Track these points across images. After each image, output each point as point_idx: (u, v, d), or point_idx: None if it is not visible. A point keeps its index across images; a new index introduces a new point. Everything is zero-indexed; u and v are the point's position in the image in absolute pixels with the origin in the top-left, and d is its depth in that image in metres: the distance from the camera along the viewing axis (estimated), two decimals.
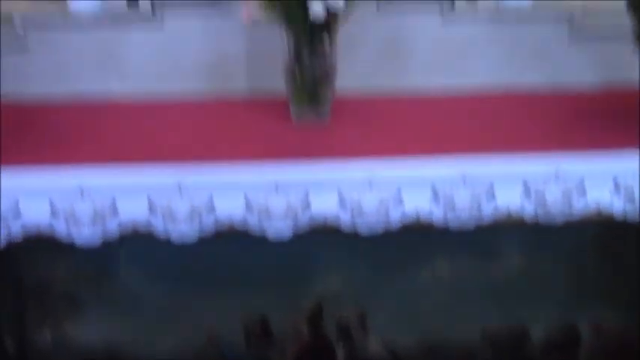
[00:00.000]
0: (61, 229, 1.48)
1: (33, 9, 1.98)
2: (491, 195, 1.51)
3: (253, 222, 1.50)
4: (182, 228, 1.49)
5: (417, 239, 1.59)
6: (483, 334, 1.70)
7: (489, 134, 1.63)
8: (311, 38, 1.67)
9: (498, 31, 1.89)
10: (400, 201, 1.51)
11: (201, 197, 1.49)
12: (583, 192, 1.50)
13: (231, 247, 1.56)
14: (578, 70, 1.89)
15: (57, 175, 1.48)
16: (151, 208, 1.49)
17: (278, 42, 1.76)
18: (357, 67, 1.88)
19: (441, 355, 1.70)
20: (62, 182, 1.48)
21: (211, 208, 1.50)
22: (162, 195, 1.49)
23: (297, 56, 1.70)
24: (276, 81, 1.78)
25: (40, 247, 1.55)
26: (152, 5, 1.88)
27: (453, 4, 1.87)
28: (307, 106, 1.73)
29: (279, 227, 1.50)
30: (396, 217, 1.51)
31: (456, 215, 1.51)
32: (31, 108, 1.84)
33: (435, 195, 1.51)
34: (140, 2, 1.88)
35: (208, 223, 1.50)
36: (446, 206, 1.51)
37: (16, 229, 1.47)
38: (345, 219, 1.51)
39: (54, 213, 1.47)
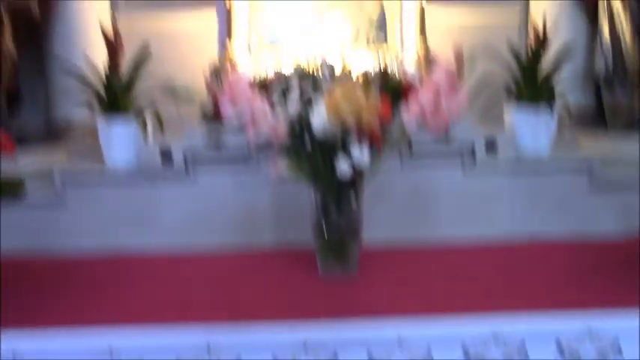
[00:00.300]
0: None
1: (72, 165, 2.10)
2: (524, 353, 1.48)
3: None
4: None
5: None
6: None
7: (518, 289, 1.63)
8: (338, 195, 1.73)
9: (519, 183, 1.94)
10: None
11: (229, 358, 1.48)
12: (618, 350, 1.47)
13: None
14: (600, 220, 1.92)
15: (85, 337, 1.50)
16: None
17: (305, 197, 1.82)
18: (383, 220, 1.92)
19: None
20: (91, 344, 1.48)
21: None
22: (190, 356, 1.49)
23: (324, 212, 1.75)
24: (303, 235, 1.83)
25: None
26: (185, 162, 1.98)
27: (474, 158, 1.93)
28: (334, 260, 1.76)
29: None
30: None
31: None
32: (65, 262, 1.89)
33: (466, 354, 1.48)
34: (174, 160, 1.98)
35: None
36: None
37: None
38: None
39: None
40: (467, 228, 1.92)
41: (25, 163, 1.94)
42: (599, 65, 2.16)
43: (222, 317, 1.55)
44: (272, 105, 1.89)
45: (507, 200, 1.94)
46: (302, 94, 1.92)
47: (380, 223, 1.89)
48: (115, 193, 1.98)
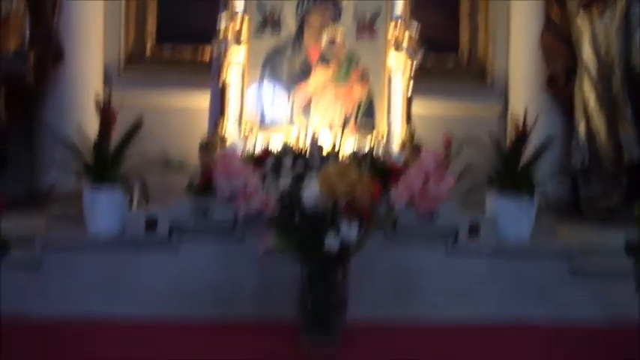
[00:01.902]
0: None
1: (53, 230, 2.08)
2: None
3: None
4: None
5: None
6: None
7: None
8: (324, 268, 1.73)
9: (500, 266, 1.98)
10: None
11: None
12: None
13: None
14: (579, 305, 1.95)
15: None
16: None
17: (288, 271, 1.83)
18: (367, 297, 1.92)
19: None
20: None
21: None
22: None
23: (309, 285, 1.75)
24: (286, 309, 1.82)
25: None
26: (170, 232, 1.97)
27: (456, 240, 1.97)
28: (318, 334, 1.74)
29: None
30: None
31: None
32: (34, 328, 1.83)
33: None
34: (158, 228, 1.97)
35: None
36: None
37: None
38: None
39: None
40: (449, 308, 1.94)
41: (7, 227, 1.91)
42: (576, 158, 2.26)
43: None
44: (263, 179, 1.93)
45: (489, 282, 1.97)
46: (293, 169, 1.97)
47: (364, 300, 1.89)
48: (94, 259, 1.96)
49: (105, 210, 2.02)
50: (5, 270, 1.85)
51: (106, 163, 2.03)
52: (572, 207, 2.26)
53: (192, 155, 2.14)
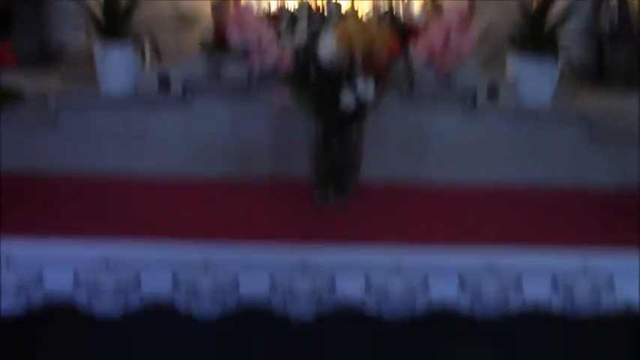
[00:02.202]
0: (82, 300, 1.46)
1: (66, 88, 2.06)
2: (519, 286, 1.50)
3: (277, 303, 1.48)
4: (205, 306, 1.47)
5: (441, 328, 1.56)
6: None
7: (515, 226, 1.64)
8: (339, 126, 1.72)
9: (519, 130, 1.94)
10: (427, 288, 1.49)
11: (226, 276, 1.48)
12: (612, 288, 1.49)
13: (253, 327, 1.53)
14: (597, 171, 1.93)
15: (81, 247, 1.48)
16: (175, 285, 1.47)
17: (303, 129, 1.81)
18: (381, 159, 1.92)
19: None
20: (86, 254, 1.47)
21: (236, 287, 1.48)
22: (187, 272, 1.47)
23: (324, 143, 1.74)
24: (300, 167, 1.82)
25: (60, 317, 1.52)
26: (183, 90, 1.94)
27: (475, 102, 1.93)
28: (331, 192, 1.75)
29: (302, 309, 1.48)
30: (422, 304, 1.49)
31: (482, 305, 1.49)
32: (57, 181, 1.86)
33: (462, 284, 1.50)
34: (172, 87, 1.95)
35: (232, 301, 1.48)
36: (472, 296, 1.50)
37: (37, 297, 1.45)
38: (370, 304, 1.49)
39: (77, 284, 1.45)
40: (465, 170, 1.93)
41: (19, 84, 1.89)
42: (604, 21, 2.17)
43: (219, 237, 1.53)
44: (278, 34, 1.88)
45: (506, 147, 1.95)
46: (310, 25, 1.90)
47: (378, 160, 1.89)
48: (109, 116, 1.94)
49: (117, 67, 1.98)
50: (20, 127, 1.88)
51: (116, 17, 1.97)
52: (596, 73, 2.19)
53: (206, 12, 2.08)
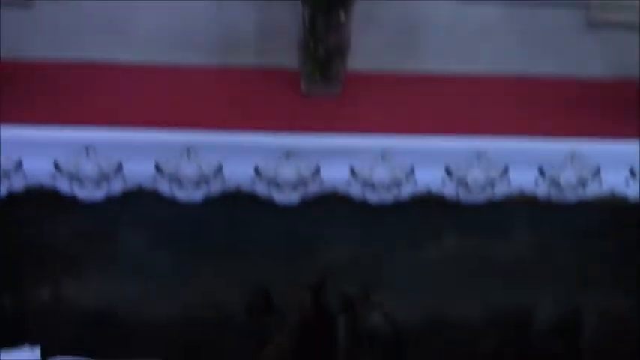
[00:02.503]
0: (64, 187, 1.45)
1: None
2: (505, 175, 1.49)
3: (262, 190, 1.48)
4: (189, 192, 1.46)
5: (426, 214, 1.57)
6: (487, 313, 1.68)
7: (504, 116, 1.60)
8: (328, 11, 1.64)
9: (513, 15, 1.87)
10: (412, 176, 1.49)
11: (210, 163, 1.46)
12: (597, 177, 1.49)
13: (237, 212, 1.54)
14: (593, 58, 1.87)
15: (62, 133, 1.45)
16: (158, 171, 1.46)
17: (290, 17, 1.75)
18: (370, 46, 1.86)
19: (443, 332, 1.68)
20: (68, 140, 1.44)
21: (219, 174, 1.47)
22: (170, 159, 1.46)
23: (311, 29, 1.67)
24: (286, 57, 1.76)
25: (42, 202, 1.51)
26: None
27: None
28: (319, 80, 1.71)
29: (287, 195, 1.48)
30: (407, 191, 1.49)
31: (467, 192, 1.50)
32: (36, 65, 1.80)
33: (448, 172, 1.49)
34: None
35: (216, 188, 1.47)
36: (458, 183, 1.49)
37: (17, 183, 1.43)
38: (355, 191, 1.49)
39: (58, 170, 1.44)
40: (455, 60, 1.86)
41: None
42: None
43: (203, 125, 1.50)
44: None
45: (499, 33, 1.87)
46: None
47: (367, 49, 1.82)
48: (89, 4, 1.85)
49: None
50: None
51: None
52: None
53: None
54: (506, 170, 1.49)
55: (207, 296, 1.60)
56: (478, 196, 1.50)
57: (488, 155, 1.49)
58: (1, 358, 1.33)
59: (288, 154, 1.46)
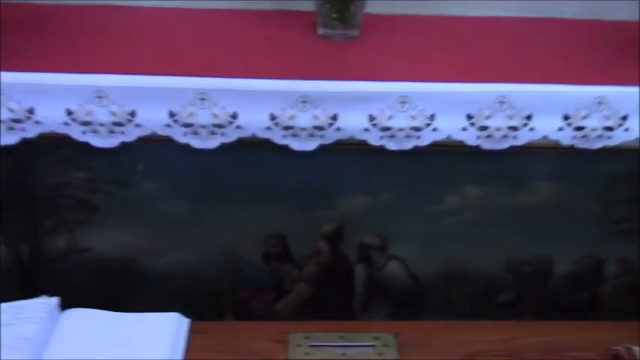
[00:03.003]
0: (77, 134, 1.42)
1: None
2: (529, 122, 1.45)
3: (278, 136, 1.45)
4: (203, 140, 1.44)
5: (446, 162, 1.53)
6: (508, 263, 1.66)
7: (528, 61, 1.54)
8: None
9: None
10: (432, 123, 1.44)
11: (225, 110, 1.43)
12: (624, 123, 1.44)
13: (253, 159, 1.51)
14: (622, 0, 1.79)
15: (75, 79, 1.41)
16: (172, 118, 1.43)
17: None
18: None
19: (463, 282, 1.66)
20: (80, 87, 1.40)
21: (235, 120, 1.43)
22: (184, 106, 1.42)
23: None
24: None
25: (55, 149, 1.50)
26: None
27: None
28: (336, 22, 1.65)
29: (304, 143, 1.45)
30: (426, 139, 1.45)
31: (489, 140, 1.45)
32: (47, 7, 1.75)
33: (470, 119, 1.44)
34: None
35: (231, 135, 1.44)
36: (480, 131, 1.45)
37: (30, 131, 1.41)
38: (373, 139, 1.45)
39: (70, 117, 1.41)
40: (481, 3, 1.79)
41: None
42: None
43: (217, 71, 1.46)
44: None
45: None
46: None
47: None
48: None
49: None
50: None
51: None
52: None
53: None
54: (529, 117, 1.44)
55: (223, 244, 1.59)
56: (500, 143, 1.46)
57: (512, 101, 1.43)
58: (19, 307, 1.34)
59: (305, 101, 1.42)
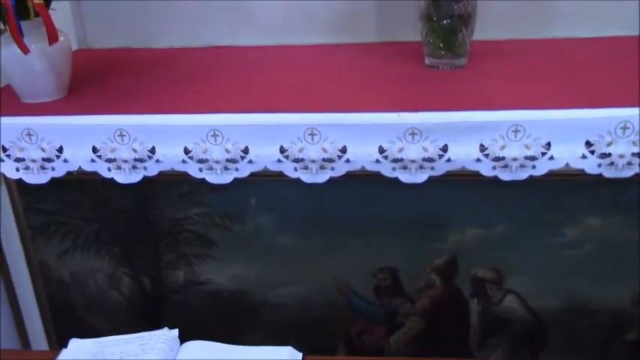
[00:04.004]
0: (194, 171, 1.49)
1: None
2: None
3: (387, 169, 1.44)
4: (313, 173, 1.46)
5: (565, 191, 1.46)
6: (634, 299, 1.55)
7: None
8: None
9: None
10: (548, 151, 1.39)
11: (334, 144, 1.44)
12: None
13: (363, 190, 1.51)
14: None
15: (191, 120, 1.47)
16: (282, 154, 1.46)
17: None
18: (496, 14, 1.76)
19: (586, 318, 1.57)
20: (196, 127, 1.46)
21: (344, 154, 1.44)
22: (294, 141, 1.45)
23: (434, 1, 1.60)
24: (409, 32, 1.74)
25: (175, 186, 1.57)
26: None
27: None
28: (443, 52, 1.63)
29: (413, 174, 1.43)
30: (542, 168, 1.39)
31: (611, 168, 1.38)
32: (163, 53, 1.87)
33: (589, 146, 1.37)
34: None
35: (340, 169, 1.45)
36: (600, 158, 1.38)
37: (151, 169, 1.49)
38: (485, 169, 1.41)
39: (188, 155, 1.47)
40: (589, 26, 1.73)
41: None
42: None
43: (326, 107, 1.47)
44: None
45: None
46: None
47: (492, 17, 1.74)
48: None
49: None
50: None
51: None
52: None
53: None
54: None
55: (333, 276, 1.60)
56: (623, 172, 1.38)
57: (635, 126, 1.35)
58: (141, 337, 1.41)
59: (414, 133, 1.41)
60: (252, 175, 1.47)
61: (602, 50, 1.69)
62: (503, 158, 1.40)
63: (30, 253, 1.66)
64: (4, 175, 1.52)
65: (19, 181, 1.52)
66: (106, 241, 1.64)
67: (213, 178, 1.48)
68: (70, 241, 1.64)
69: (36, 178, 1.51)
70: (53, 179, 1.51)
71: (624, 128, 1.35)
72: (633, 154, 1.36)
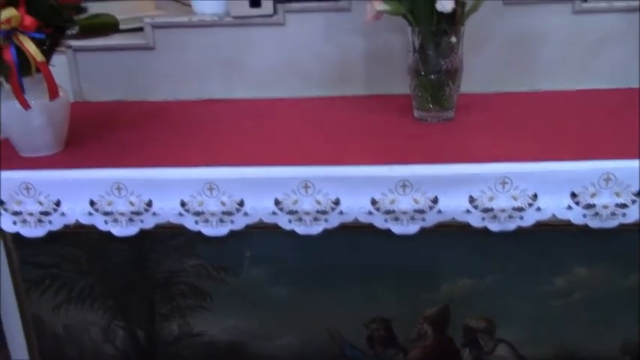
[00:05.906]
0: (190, 224, 1.51)
1: (160, 12, 2.08)
2: (637, 198, 1.40)
3: (379, 220, 1.47)
4: (307, 225, 1.48)
5: (553, 241, 1.50)
6: (624, 348, 1.58)
7: (634, 135, 1.52)
8: (437, 31, 1.62)
9: (634, 26, 1.77)
10: (535, 202, 1.43)
11: (327, 196, 1.47)
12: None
13: (356, 242, 1.54)
14: None
15: (187, 174, 1.50)
16: (277, 206, 1.49)
17: (399, 46, 1.79)
18: (483, 67, 1.83)
19: None
20: (192, 180, 1.49)
21: (337, 206, 1.48)
22: (288, 194, 1.48)
23: (421, 51, 1.65)
24: (397, 85, 1.81)
25: (171, 238, 1.59)
26: (274, 6, 1.90)
27: None
28: (431, 105, 1.69)
29: (405, 226, 1.47)
30: (530, 218, 1.43)
31: (596, 219, 1.42)
32: (158, 106, 1.91)
33: (574, 197, 1.42)
34: (263, 2, 1.90)
35: (334, 221, 1.48)
36: (586, 209, 1.42)
37: (148, 222, 1.51)
38: (475, 220, 1.45)
39: (184, 208, 1.50)
40: (573, 77, 1.80)
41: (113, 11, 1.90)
42: None
43: (318, 160, 1.51)
44: None
45: (619, 45, 1.78)
46: None
47: (479, 70, 1.81)
48: (202, 38, 1.93)
49: None
50: (116, 53, 1.92)
51: None
52: None
53: None
54: (639, 194, 1.40)
55: (327, 327, 1.61)
56: (608, 222, 1.42)
57: (618, 177, 1.40)
58: None
59: (405, 185, 1.45)
60: (247, 227, 1.50)
61: (584, 102, 1.75)
62: (491, 209, 1.44)
63: (24, 307, 1.66)
64: (1, 229, 1.54)
65: (16, 235, 1.53)
66: (101, 294, 1.65)
67: (208, 231, 1.51)
68: (65, 294, 1.65)
69: (33, 231, 1.53)
70: (49, 232, 1.52)
71: (607, 180, 1.40)
72: (617, 205, 1.41)
